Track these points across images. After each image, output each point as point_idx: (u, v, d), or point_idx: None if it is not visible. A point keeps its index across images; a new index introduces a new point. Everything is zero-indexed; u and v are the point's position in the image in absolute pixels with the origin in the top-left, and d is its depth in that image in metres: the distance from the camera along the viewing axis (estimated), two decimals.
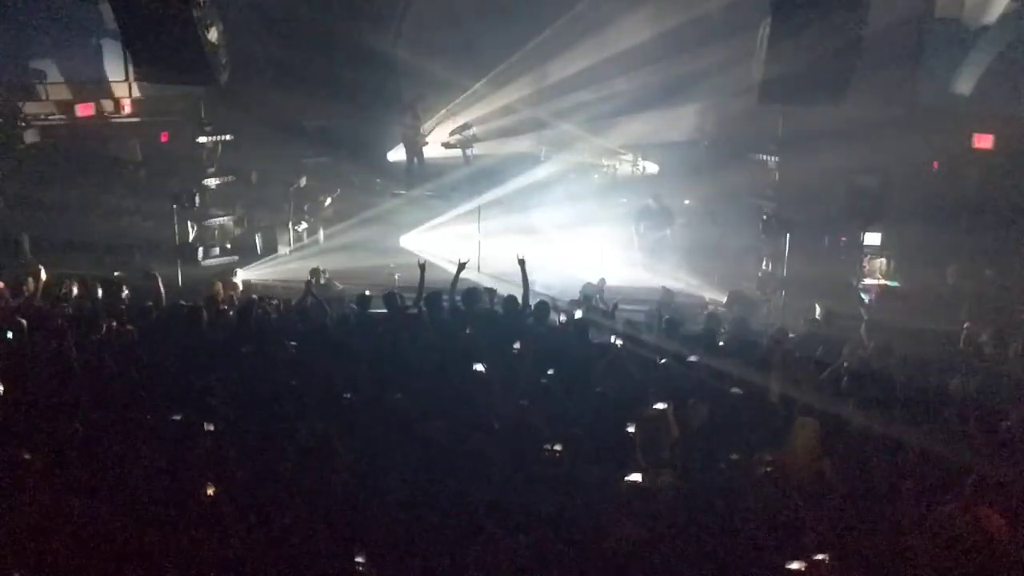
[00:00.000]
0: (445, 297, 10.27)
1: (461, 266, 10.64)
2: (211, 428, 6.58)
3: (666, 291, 12.02)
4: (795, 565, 4.95)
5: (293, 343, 9.23)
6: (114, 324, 9.45)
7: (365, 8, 17.50)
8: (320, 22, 17.39)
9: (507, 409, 7.37)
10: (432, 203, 17.10)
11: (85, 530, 5.21)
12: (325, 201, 17.13)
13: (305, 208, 16.84)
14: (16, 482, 5.68)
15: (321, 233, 16.85)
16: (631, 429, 6.94)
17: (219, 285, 12.25)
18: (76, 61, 16.82)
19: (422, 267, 10.67)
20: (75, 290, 10.85)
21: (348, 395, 7.62)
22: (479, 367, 8.02)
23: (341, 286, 13.36)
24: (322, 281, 12.36)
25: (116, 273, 12.46)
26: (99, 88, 16.96)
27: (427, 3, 18.34)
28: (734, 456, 6.57)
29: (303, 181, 16.94)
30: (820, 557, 4.99)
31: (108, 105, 16.84)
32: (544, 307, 10.15)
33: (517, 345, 9.13)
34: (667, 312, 10.83)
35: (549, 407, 7.35)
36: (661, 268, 14.81)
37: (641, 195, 16.57)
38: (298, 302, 10.92)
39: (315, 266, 13.15)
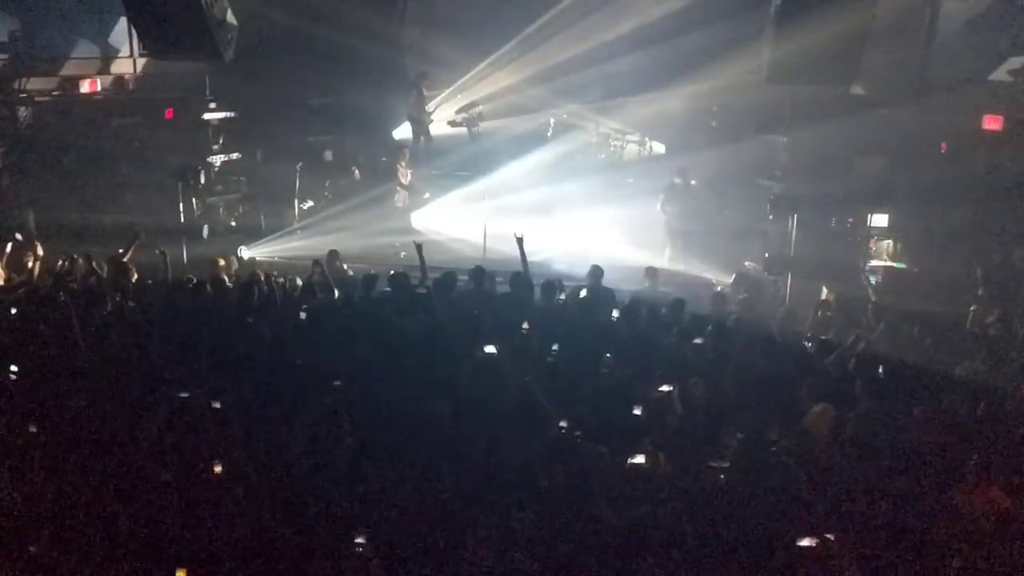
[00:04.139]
0: (461, 280, 10.28)
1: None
2: (217, 406, 6.59)
3: (650, 271, 11.88)
4: (804, 543, 4.95)
5: (298, 320, 9.23)
6: (118, 299, 9.45)
7: None
8: None
9: (514, 389, 7.36)
10: (438, 182, 17.03)
11: (92, 505, 5.23)
12: (354, 174, 16.79)
13: (327, 184, 16.68)
14: (25, 456, 5.71)
15: (338, 208, 16.58)
16: (637, 410, 6.96)
17: (223, 263, 12.22)
18: (81, 37, 16.72)
19: (419, 246, 10.66)
20: (80, 266, 10.84)
21: (353, 374, 7.62)
22: (491, 349, 8.00)
23: (351, 271, 13.17)
24: (344, 266, 12.13)
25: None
26: (104, 64, 16.89)
27: None
28: (739, 435, 6.58)
29: (328, 155, 16.79)
30: (813, 542, 4.99)
31: (113, 81, 16.77)
32: (551, 287, 10.12)
33: (526, 325, 9.10)
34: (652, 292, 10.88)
35: (555, 386, 7.34)
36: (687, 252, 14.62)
37: (648, 174, 16.47)
38: (305, 280, 10.90)
39: (333, 248, 12.82)
